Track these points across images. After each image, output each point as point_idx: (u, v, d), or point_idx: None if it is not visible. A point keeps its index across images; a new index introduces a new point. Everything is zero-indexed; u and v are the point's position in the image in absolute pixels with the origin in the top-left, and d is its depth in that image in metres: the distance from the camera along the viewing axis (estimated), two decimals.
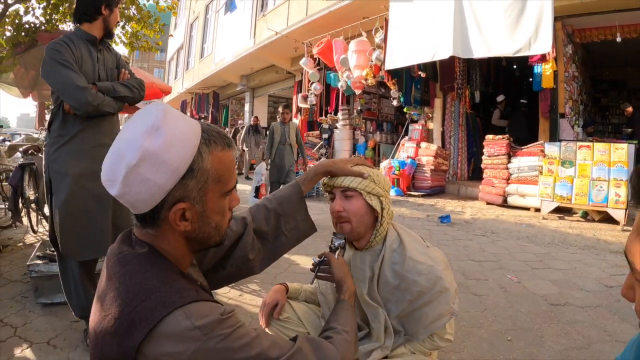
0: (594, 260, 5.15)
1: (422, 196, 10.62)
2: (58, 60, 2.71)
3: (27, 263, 3.68)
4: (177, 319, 0.97)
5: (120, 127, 1.40)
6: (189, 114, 25.81)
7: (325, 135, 14.54)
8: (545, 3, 7.52)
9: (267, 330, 1.96)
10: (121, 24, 8.00)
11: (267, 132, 8.54)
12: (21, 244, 5.60)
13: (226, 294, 3.91)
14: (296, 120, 15.40)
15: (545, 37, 7.49)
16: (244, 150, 15.96)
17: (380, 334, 1.74)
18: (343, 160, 1.77)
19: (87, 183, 2.84)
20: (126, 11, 7.84)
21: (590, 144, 7.82)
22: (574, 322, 3.36)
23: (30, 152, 6.20)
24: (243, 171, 16.41)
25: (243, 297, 3.85)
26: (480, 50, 8.41)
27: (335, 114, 14.50)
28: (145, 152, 1.01)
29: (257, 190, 9.10)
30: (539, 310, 3.59)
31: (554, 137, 9.49)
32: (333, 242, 1.75)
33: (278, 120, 8.75)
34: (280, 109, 8.75)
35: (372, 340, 1.78)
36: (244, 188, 11.73)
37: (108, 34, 3.06)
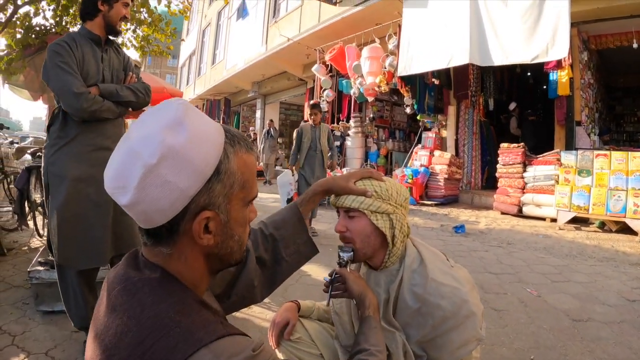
0: (613, 273, 5.00)
1: (435, 205, 10.49)
2: (57, 63, 2.63)
3: (28, 269, 3.58)
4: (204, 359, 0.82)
5: (126, 130, 1.23)
6: None
7: (337, 143, 14.45)
8: (562, 8, 7.40)
9: (277, 351, 1.84)
10: (132, 27, 7.98)
11: (295, 135, 7.47)
12: (26, 247, 5.53)
13: None
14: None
15: (562, 42, 7.37)
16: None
17: (399, 359, 1.57)
18: (345, 176, 1.62)
19: (86, 188, 2.73)
20: (137, 15, 7.81)
21: (607, 152, 7.68)
22: (598, 339, 3.22)
23: (38, 154, 6.13)
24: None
25: (252, 310, 3.70)
26: (498, 57, 8.30)
27: (347, 121, 14.42)
28: (167, 149, 0.87)
29: (289, 202, 8.21)
30: (561, 326, 3.44)
31: (570, 145, 9.34)
32: (341, 257, 1.62)
33: (310, 121, 7.44)
34: (308, 110, 7.76)
35: None
36: (263, 195, 11.56)
37: (111, 32, 2.95)
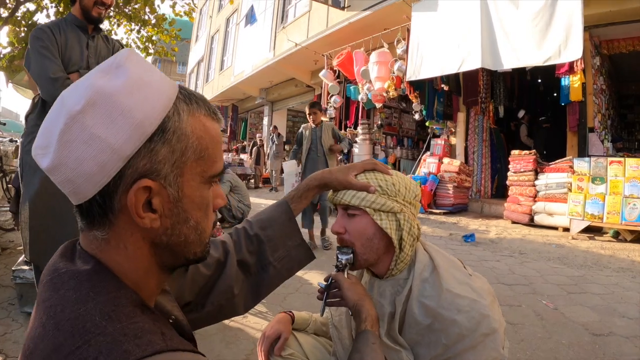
0: (631, 284, 4.80)
1: (444, 214, 10.30)
2: (37, 49, 2.54)
3: (13, 268, 3.46)
4: None
5: None
6: None
7: (344, 150, 14.34)
8: (575, 9, 7.23)
9: None
10: (136, 28, 7.93)
11: (295, 140, 6.99)
12: (21, 247, 5.42)
13: None
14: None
15: (576, 43, 7.19)
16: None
17: None
18: (344, 168, 1.39)
19: None
20: (141, 15, 7.76)
21: (621, 159, 7.47)
22: (621, 354, 3.02)
23: None
24: (260, 185, 16.42)
25: (247, 320, 3.52)
26: (510, 60, 8.14)
27: (355, 128, 14.27)
28: (96, 92, 0.69)
29: None
30: (581, 341, 3.24)
31: (582, 152, 9.15)
32: (339, 259, 1.38)
33: (310, 122, 6.79)
34: (306, 110, 6.79)
35: None
36: (270, 202, 11.41)
37: (89, 18, 2.81)
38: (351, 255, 1.37)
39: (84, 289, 0.71)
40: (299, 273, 4.52)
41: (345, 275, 1.37)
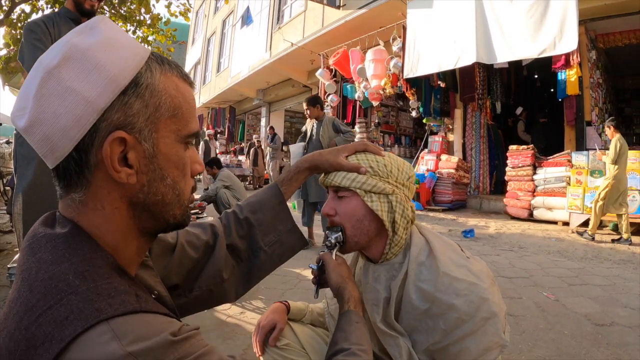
0: (632, 275, 4.80)
1: (443, 210, 10.29)
2: (30, 41, 2.53)
3: (8, 266, 3.43)
4: (100, 339, 0.60)
5: None
6: (205, 128, 25.96)
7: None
8: (570, 3, 7.24)
9: (261, 358, 1.56)
10: (132, 29, 7.90)
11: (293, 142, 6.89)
12: (17, 248, 5.43)
13: (225, 310, 3.53)
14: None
15: (571, 35, 7.22)
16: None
17: None
18: (334, 150, 1.35)
19: None
20: (137, 16, 7.74)
21: None
22: (624, 344, 3.00)
23: None
24: (258, 186, 16.39)
25: (245, 315, 3.48)
26: (505, 54, 8.17)
27: (352, 127, 14.27)
28: (71, 47, 0.71)
29: None
30: (583, 331, 3.22)
31: (580, 146, 9.16)
32: (328, 239, 1.34)
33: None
34: (304, 105, 6.48)
35: None
36: None
37: (82, 11, 2.81)
38: (340, 233, 1.33)
39: (60, 251, 0.71)
40: (297, 269, 4.53)
41: (333, 256, 1.34)
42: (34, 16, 7.51)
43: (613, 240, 6.83)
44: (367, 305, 1.37)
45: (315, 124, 6.39)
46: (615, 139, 7.13)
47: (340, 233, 1.32)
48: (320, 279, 1.35)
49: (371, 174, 1.30)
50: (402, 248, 1.35)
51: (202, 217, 5.88)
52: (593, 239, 6.94)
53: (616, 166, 6.93)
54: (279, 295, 3.91)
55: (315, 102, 6.45)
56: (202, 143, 16.06)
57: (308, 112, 6.40)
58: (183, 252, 1.16)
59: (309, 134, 6.44)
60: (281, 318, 1.58)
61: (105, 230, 0.77)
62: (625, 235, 6.61)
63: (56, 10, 7.32)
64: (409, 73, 9.80)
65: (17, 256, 3.68)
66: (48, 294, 0.65)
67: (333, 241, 1.32)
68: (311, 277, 1.42)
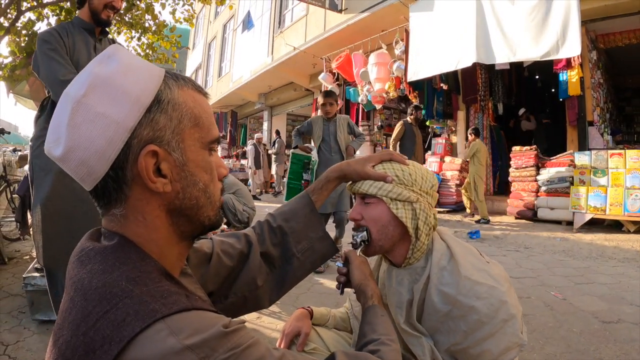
0: (638, 273, 4.87)
1: (448, 212, 10.36)
2: (45, 51, 2.56)
3: (23, 275, 3.47)
4: (158, 336, 0.66)
5: None
6: None
7: None
8: (571, 4, 7.32)
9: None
10: (137, 35, 7.94)
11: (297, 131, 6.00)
12: (27, 257, 5.47)
13: (243, 316, 3.60)
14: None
15: (574, 40, 7.27)
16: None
17: None
18: (361, 159, 1.40)
19: (72, 182, 2.59)
20: (142, 22, 7.78)
21: (622, 151, 7.53)
22: (632, 340, 3.08)
23: None
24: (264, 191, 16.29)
25: (261, 320, 3.57)
26: (505, 55, 8.22)
27: None
28: (95, 77, 0.78)
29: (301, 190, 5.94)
30: (591, 329, 3.31)
31: (582, 146, 9.19)
32: (354, 239, 1.39)
33: (321, 114, 5.65)
34: (320, 99, 5.65)
35: None
36: (275, 205, 11.44)
37: (98, 21, 2.85)
38: (365, 233, 1.38)
39: (110, 261, 0.77)
40: (311, 274, 4.58)
41: (358, 254, 1.40)
42: (39, 24, 7.58)
43: (477, 221, 8.98)
44: (390, 308, 1.44)
45: (324, 123, 5.61)
46: (474, 143, 9.34)
47: (365, 232, 1.38)
48: (348, 277, 1.40)
49: (397, 183, 1.36)
50: (424, 253, 1.41)
51: None
52: (488, 222, 8.80)
53: (474, 163, 9.26)
54: (294, 299, 3.98)
55: (336, 97, 5.76)
56: None
57: (329, 108, 5.53)
58: (219, 261, 1.22)
59: (319, 133, 5.61)
60: (306, 324, 1.62)
61: (149, 238, 0.84)
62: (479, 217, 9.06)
63: (62, 17, 7.40)
64: (412, 76, 9.85)
65: (31, 265, 3.74)
66: (103, 300, 0.70)
67: (358, 240, 1.38)
68: (334, 284, 1.48)
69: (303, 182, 6.66)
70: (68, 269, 0.83)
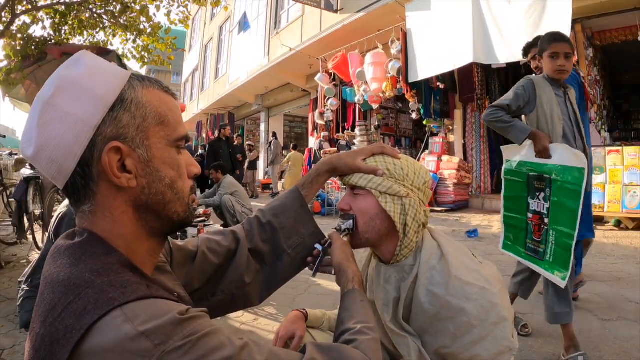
0: (637, 270, 4.85)
1: (446, 211, 10.33)
2: None
3: (19, 279, 3.49)
4: (114, 323, 0.67)
5: None
6: (204, 134, 26.04)
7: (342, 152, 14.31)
8: (565, 3, 7.31)
9: None
10: (132, 38, 7.91)
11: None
12: (24, 261, 5.45)
13: (239, 318, 3.60)
14: (312, 138, 15.29)
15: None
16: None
17: None
18: (353, 152, 1.39)
19: None
20: (137, 24, 7.75)
21: (619, 148, 7.54)
22: (631, 338, 3.06)
23: None
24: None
25: (258, 322, 3.55)
26: (502, 54, 8.25)
27: (353, 130, 14.31)
28: (62, 79, 0.82)
29: None
30: (591, 327, 3.29)
31: None
32: (339, 225, 1.39)
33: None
34: (545, 45, 3.21)
35: None
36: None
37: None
38: (351, 221, 1.38)
39: (77, 255, 0.80)
40: (308, 274, 4.56)
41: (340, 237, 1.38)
42: (34, 27, 7.54)
43: None
44: (377, 305, 1.42)
45: (556, 90, 3.65)
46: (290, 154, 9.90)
47: (351, 221, 1.37)
48: (321, 260, 1.36)
49: (387, 176, 1.34)
50: (412, 251, 1.39)
51: (208, 225, 5.92)
52: None
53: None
54: (290, 300, 3.96)
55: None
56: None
57: (564, 61, 3.25)
58: (204, 258, 1.23)
59: (552, 108, 4.12)
60: (300, 327, 1.59)
61: (116, 233, 0.86)
62: None
63: (56, 20, 7.35)
64: (412, 78, 9.87)
65: (27, 269, 3.72)
66: (68, 292, 0.73)
67: (343, 227, 1.37)
68: (331, 286, 1.44)
69: (531, 215, 3.08)
70: (44, 267, 0.84)
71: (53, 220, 2.65)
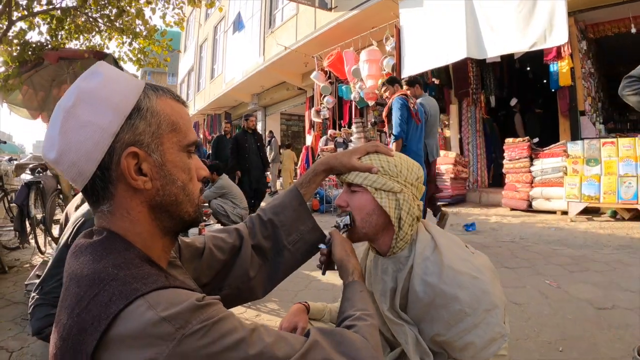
0: (632, 260, 4.90)
1: (444, 206, 10.36)
2: None
3: (25, 282, 3.55)
4: (138, 311, 0.74)
5: None
6: (201, 135, 25.99)
7: (340, 149, 14.37)
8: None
9: None
10: (128, 41, 7.94)
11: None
12: (28, 265, 5.49)
13: (242, 314, 3.66)
14: (309, 136, 15.33)
15: (561, 28, 7.37)
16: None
17: (412, 356, 1.36)
18: (348, 152, 1.47)
19: None
20: (133, 27, 7.77)
21: (614, 139, 7.57)
22: (626, 325, 3.12)
23: (38, 170, 6.06)
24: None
25: (260, 318, 3.61)
26: (495, 48, 8.32)
27: (349, 127, 14.36)
28: (81, 91, 0.88)
29: None
30: (586, 315, 3.35)
31: (575, 136, 9.25)
32: (337, 222, 1.47)
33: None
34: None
35: None
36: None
37: None
38: (348, 217, 1.45)
39: (99, 252, 0.87)
40: (308, 270, 4.64)
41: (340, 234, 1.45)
42: (31, 33, 7.56)
43: None
44: (375, 295, 1.49)
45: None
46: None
47: (348, 217, 1.45)
48: (329, 259, 1.45)
49: (382, 173, 1.41)
50: (407, 243, 1.46)
51: (209, 224, 5.96)
52: None
53: None
54: (292, 296, 4.02)
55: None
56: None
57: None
58: (211, 255, 1.30)
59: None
60: (302, 318, 1.64)
61: (134, 232, 0.93)
62: None
63: (52, 26, 7.38)
64: (405, 73, 9.89)
65: (32, 272, 3.79)
66: (93, 285, 0.80)
67: (341, 224, 1.45)
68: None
69: None
70: (65, 264, 0.92)
71: (70, 226, 2.69)
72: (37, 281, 3.45)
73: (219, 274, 1.32)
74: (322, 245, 1.46)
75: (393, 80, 6.16)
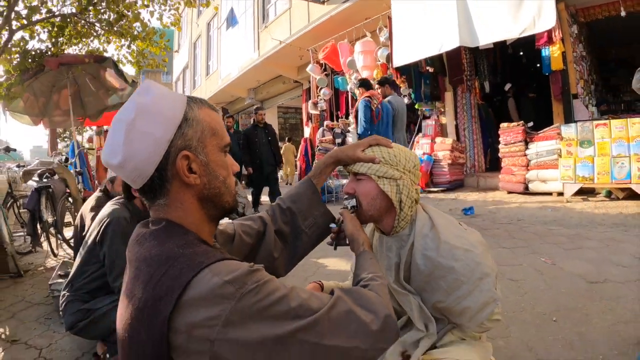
0: (625, 237, 5.07)
1: (442, 191, 10.55)
2: None
3: (50, 282, 3.71)
4: (205, 278, 0.93)
5: None
6: None
7: (338, 140, 14.48)
8: None
9: None
10: (126, 43, 8.01)
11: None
12: (42, 268, 5.63)
13: None
14: (307, 128, 15.45)
15: (549, 12, 7.58)
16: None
17: (417, 322, 1.60)
18: (352, 145, 1.66)
19: None
20: (131, 30, 7.83)
21: (606, 121, 7.72)
22: (617, 297, 3.31)
23: (45, 175, 6.18)
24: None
25: None
26: (487, 36, 8.48)
27: (347, 117, 14.47)
28: (139, 106, 1.06)
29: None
30: (579, 289, 3.53)
31: (568, 119, 9.38)
32: (346, 205, 1.66)
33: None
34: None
35: (414, 329, 1.63)
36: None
37: None
38: (354, 199, 1.65)
39: (161, 237, 1.06)
40: (315, 258, 4.83)
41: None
42: (32, 43, 7.62)
43: None
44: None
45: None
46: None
47: (354, 199, 1.65)
48: (339, 236, 1.65)
49: (383, 163, 1.60)
50: (408, 223, 1.66)
51: None
52: None
53: None
54: (302, 281, 4.20)
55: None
56: None
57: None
58: (240, 240, 1.51)
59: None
60: None
61: (188, 220, 1.13)
62: None
63: (53, 34, 7.44)
64: (397, 62, 10.02)
65: (55, 272, 3.95)
66: (162, 263, 0.98)
67: (349, 206, 1.65)
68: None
69: None
70: (128, 251, 1.13)
71: (96, 226, 2.86)
72: (61, 280, 3.64)
73: (248, 257, 1.52)
74: (332, 225, 1.66)
75: (384, 81, 6.91)
